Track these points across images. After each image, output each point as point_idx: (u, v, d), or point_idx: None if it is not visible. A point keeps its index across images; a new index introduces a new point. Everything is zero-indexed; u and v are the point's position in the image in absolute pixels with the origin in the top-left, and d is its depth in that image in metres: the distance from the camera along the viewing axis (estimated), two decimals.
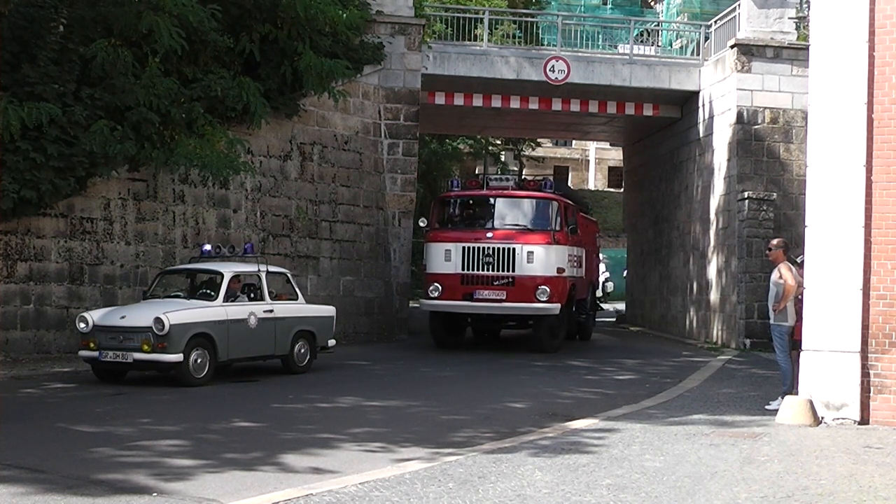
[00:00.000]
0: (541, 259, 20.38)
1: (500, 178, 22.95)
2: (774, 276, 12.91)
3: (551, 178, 26.12)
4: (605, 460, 9.18)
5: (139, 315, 14.32)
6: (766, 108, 23.60)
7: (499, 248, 20.34)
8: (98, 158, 16.78)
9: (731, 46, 23.86)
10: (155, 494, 7.80)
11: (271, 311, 15.66)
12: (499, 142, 47.61)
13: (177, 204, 18.97)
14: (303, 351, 16.29)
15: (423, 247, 22.05)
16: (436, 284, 20.61)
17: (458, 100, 26.70)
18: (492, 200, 21.32)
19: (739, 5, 24.37)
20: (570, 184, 53.28)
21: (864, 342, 11.28)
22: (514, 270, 20.28)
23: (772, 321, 12.99)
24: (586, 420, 11.70)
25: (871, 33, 11.41)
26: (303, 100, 21.28)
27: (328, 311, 17.31)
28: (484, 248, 20.40)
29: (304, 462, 9.17)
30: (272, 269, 16.53)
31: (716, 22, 26.30)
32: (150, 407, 12.38)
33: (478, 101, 26.77)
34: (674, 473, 8.65)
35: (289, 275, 17.03)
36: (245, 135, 19.44)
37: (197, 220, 19.35)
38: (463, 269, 20.44)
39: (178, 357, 13.94)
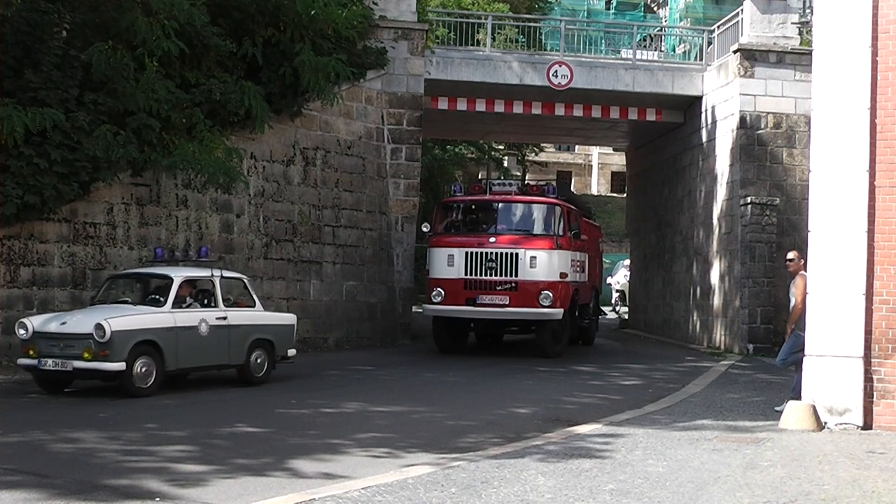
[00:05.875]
0: (544, 264, 20.38)
1: (503, 183, 22.95)
2: (793, 287, 13.02)
3: (554, 182, 26.07)
4: (608, 465, 9.19)
5: (80, 321, 13.57)
6: (768, 112, 23.61)
7: (502, 253, 20.34)
8: (101, 163, 16.83)
9: (734, 51, 23.87)
10: (158, 499, 7.81)
11: (225, 318, 14.82)
12: (502, 147, 47.61)
13: (180, 209, 18.99)
14: (259, 360, 15.35)
15: (426, 252, 22.05)
16: (439, 289, 20.62)
17: (461, 105, 26.68)
18: (495, 205, 21.33)
19: (742, 10, 24.38)
20: (573, 188, 53.37)
21: (867, 347, 11.28)
22: (517, 275, 20.27)
23: (798, 331, 12.93)
24: (590, 425, 11.72)
25: (875, 38, 11.42)
26: (306, 105, 21.32)
27: (288, 318, 16.53)
28: (487, 253, 20.40)
29: (311, 467, 9.17)
30: (227, 274, 15.60)
31: (719, 27, 26.31)
32: (154, 412, 12.39)
33: (481, 106, 26.75)
34: (676, 479, 8.65)
35: (246, 281, 16.19)
36: (248, 139, 19.46)
37: (200, 224, 19.37)
38: (466, 273, 20.46)
39: (121, 365, 13.20)
